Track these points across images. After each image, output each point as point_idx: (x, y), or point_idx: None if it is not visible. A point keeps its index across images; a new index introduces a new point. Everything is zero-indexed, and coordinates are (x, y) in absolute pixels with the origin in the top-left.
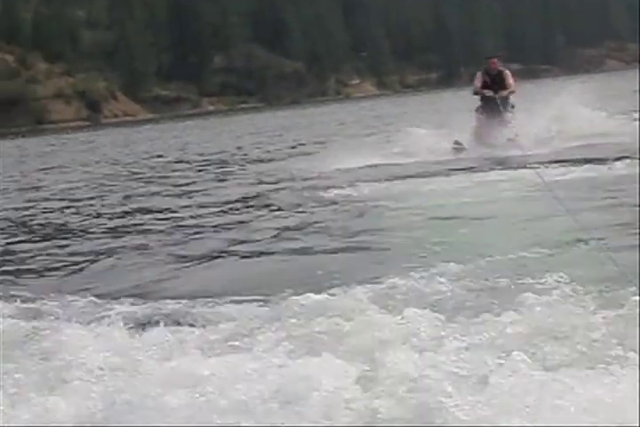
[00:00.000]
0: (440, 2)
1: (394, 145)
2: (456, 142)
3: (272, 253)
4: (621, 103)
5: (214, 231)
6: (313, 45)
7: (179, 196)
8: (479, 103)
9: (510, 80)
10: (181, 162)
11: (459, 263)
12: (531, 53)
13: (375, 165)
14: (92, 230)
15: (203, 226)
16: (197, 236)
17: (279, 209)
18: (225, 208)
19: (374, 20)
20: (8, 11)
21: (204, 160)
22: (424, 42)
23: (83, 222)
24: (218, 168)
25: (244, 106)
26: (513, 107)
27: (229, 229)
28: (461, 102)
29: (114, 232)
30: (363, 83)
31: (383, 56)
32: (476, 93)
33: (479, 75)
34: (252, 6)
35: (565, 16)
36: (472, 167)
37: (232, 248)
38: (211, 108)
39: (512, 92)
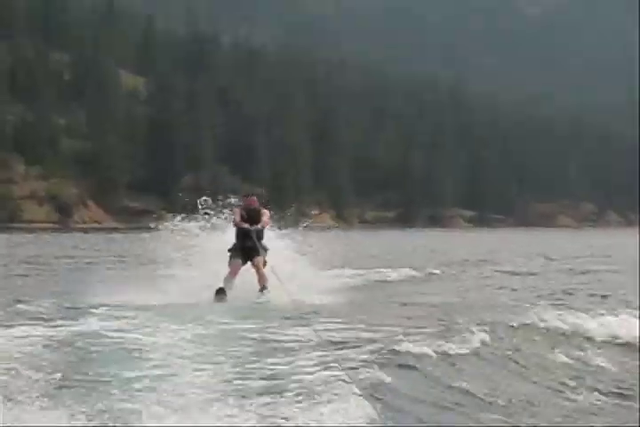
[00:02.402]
0: (408, 144)
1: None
2: (220, 290)
3: None
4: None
5: None
6: (277, 174)
7: None
8: (233, 242)
9: (265, 218)
10: None
11: None
12: (486, 202)
13: None
14: None
15: None
16: None
17: None
18: None
19: (340, 155)
20: None
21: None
22: (386, 181)
23: None
24: None
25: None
26: (266, 250)
27: None
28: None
29: None
30: (322, 214)
31: (344, 190)
32: (235, 225)
33: (238, 211)
34: (225, 130)
35: (525, 171)
36: None
37: None
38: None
39: (263, 227)
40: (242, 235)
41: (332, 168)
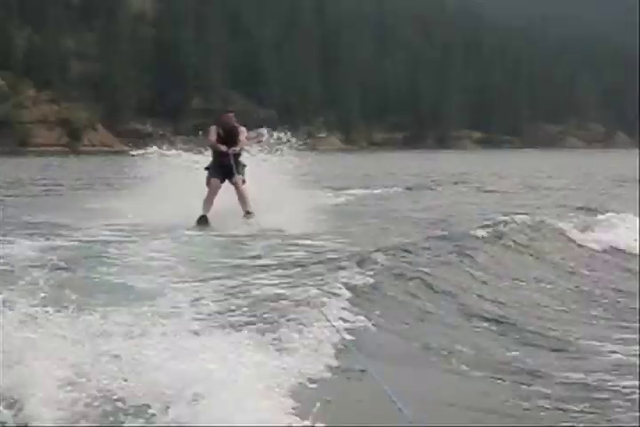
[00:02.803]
0: (416, 66)
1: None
2: (202, 218)
3: None
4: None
5: None
6: (287, 96)
7: None
8: (211, 160)
9: (242, 136)
10: None
11: None
12: (495, 123)
13: None
14: None
15: None
16: None
17: None
18: None
19: (349, 78)
20: (2, 37)
21: None
22: (395, 102)
23: None
24: None
25: None
26: (245, 166)
27: None
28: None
29: None
30: (330, 136)
31: (353, 113)
32: (211, 147)
33: (214, 129)
34: (235, 53)
35: (533, 91)
36: None
37: None
38: (184, 146)
39: (241, 149)
40: (219, 152)
41: (340, 91)
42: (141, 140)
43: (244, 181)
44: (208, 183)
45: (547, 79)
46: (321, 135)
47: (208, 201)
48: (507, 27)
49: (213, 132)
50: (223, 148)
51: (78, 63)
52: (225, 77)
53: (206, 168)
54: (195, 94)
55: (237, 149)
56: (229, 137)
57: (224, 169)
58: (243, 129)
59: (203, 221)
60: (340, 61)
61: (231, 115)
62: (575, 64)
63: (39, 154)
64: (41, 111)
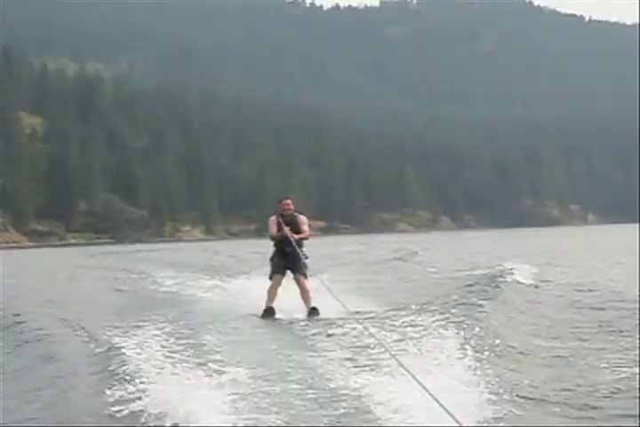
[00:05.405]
0: (261, 168)
1: None
2: (268, 310)
3: None
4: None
5: None
6: (156, 198)
7: None
8: (273, 250)
9: (305, 226)
10: None
11: None
12: (334, 213)
13: None
14: None
15: None
16: None
17: None
18: None
19: (209, 180)
20: None
21: None
22: (247, 199)
23: None
24: None
25: (98, 241)
26: (307, 257)
27: None
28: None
29: None
30: (193, 229)
31: (212, 209)
32: (273, 238)
33: (274, 219)
34: (112, 164)
35: (368, 185)
36: None
37: None
38: (73, 241)
39: (305, 238)
40: (281, 240)
41: (200, 191)
42: (41, 237)
43: (305, 276)
44: (271, 278)
45: (380, 174)
46: (185, 229)
47: (271, 293)
48: (347, 127)
49: (273, 224)
50: (287, 233)
51: None
52: (104, 184)
53: (271, 259)
54: (80, 199)
55: (299, 236)
56: (290, 226)
57: (287, 259)
58: (303, 218)
59: (268, 312)
60: (201, 166)
61: (289, 201)
62: (405, 160)
63: None
64: None
